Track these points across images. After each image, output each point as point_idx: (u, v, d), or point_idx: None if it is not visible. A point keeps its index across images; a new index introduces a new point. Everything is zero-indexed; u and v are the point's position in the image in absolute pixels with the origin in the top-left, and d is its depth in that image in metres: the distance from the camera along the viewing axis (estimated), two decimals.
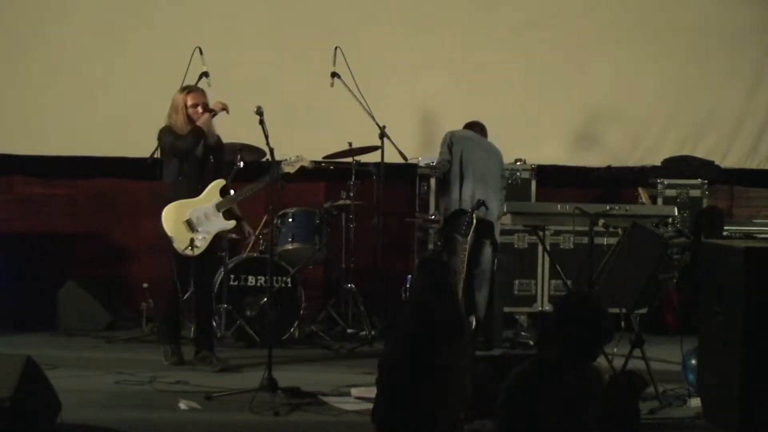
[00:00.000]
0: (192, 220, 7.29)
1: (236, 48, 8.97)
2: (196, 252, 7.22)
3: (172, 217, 7.26)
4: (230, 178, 7.64)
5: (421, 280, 5.20)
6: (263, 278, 8.08)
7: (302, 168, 7.47)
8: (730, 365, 5.85)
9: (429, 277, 5.17)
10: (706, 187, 9.19)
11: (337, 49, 8.33)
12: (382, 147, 8.24)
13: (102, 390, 6.67)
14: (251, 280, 8.17)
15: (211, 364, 7.28)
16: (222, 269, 8.11)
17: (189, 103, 7.30)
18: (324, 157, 8.47)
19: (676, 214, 7.75)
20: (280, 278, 8.12)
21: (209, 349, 7.39)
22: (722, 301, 5.97)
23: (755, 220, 9.13)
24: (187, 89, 7.39)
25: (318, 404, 6.36)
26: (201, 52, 8.20)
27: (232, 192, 7.48)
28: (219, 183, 7.40)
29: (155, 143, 7.72)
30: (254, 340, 7.98)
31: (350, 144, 8.35)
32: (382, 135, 8.21)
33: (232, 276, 8.13)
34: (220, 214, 7.37)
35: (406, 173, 9.04)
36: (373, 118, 8.19)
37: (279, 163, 6.84)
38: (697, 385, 6.41)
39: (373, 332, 8.25)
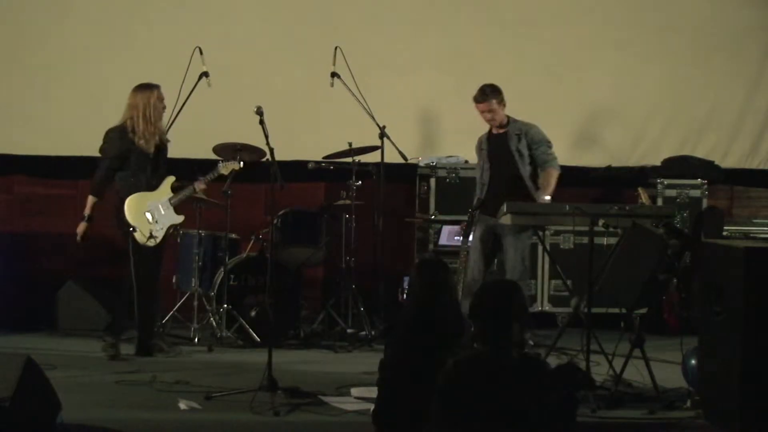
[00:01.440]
0: (152, 212, 7.53)
1: (236, 48, 8.98)
2: (153, 243, 7.47)
3: (134, 208, 7.50)
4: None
5: (421, 280, 5.20)
6: (263, 278, 8.08)
7: (233, 171, 7.84)
8: (730, 365, 5.86)
9: (428, 278, 5.18)
10: (706, 187, 9.19)
11: (337, 49, 8.33)
12: (382, 147, 8.24)
13: (102, 390, 6.67)
14: (251, 280, 8.18)
15: (162, 350, 7.57)
16: (222, 269, 8.12)
17: (163, 97, 7.56)
18: (324, 157, 8.47)
19: (676, 214, 7.75)
20: (280, 278, 8.12)
21: (152, 337, 7.61)
22: (722, 301, 5.97)
23: (755, 220, 9.13)
24: (156, 87, 7.55)
25: (318, 404, 6.36)
26: (201, 52, 8.21)
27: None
28: (171, 179, 7.69)
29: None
30: (254, 340, 7.99)
31: (350, 144, 8.35)
32: (382, 135, 8.21)
33: (232, 276, 8.13)
34: (172, 208, 7.66)
35: (406, 173, 9.04)
36: (373, 118, 8.19)
37: (276, 164, 6.85)
38: (697, 385, 6.41)
39: (373, 332, 8.24)
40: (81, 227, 7.59)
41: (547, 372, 4.39)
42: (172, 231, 8.15)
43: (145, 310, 7.55)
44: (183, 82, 8.10)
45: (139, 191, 7.53)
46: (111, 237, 9.23)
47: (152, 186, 7.60)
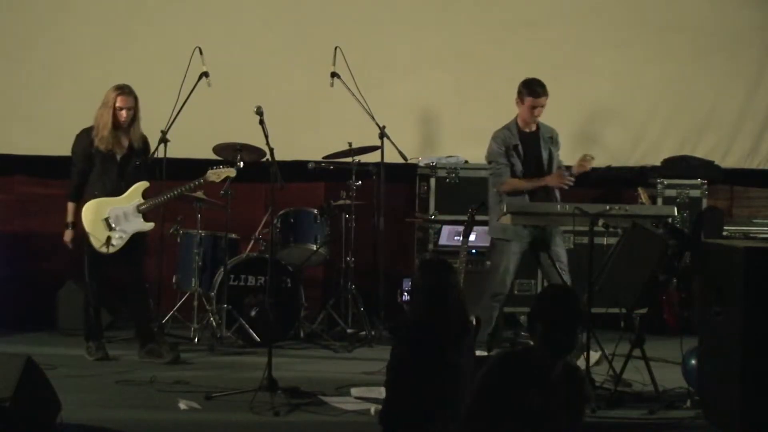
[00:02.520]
0: (110, 218, 7.42)
1: (236, 48, 8.97)
2: (111, 250, 7.38)
3: (91, 213, 7.42)
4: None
5: (424, 281, 5.20)
6: (263, 278, 8.08)
7: (227, 177, 7.73)
8: (730, 365, 5.86)
9: (432, 278, 5.18)
10: (706, 187, 9.19)
11: (337, 49, 8.33)
12: (382, 147, 8.24)
13: (102, 390, 6.67)
14: (251, 280, 8.18)
15: (161, 356, 7.42)
16: (222, 269, 8.12)
17: (118, 104, 7.39)
18: (324, 157, 8.47)
19: (676, 214, 7.75)
20: (280, 278, 8.13)
21: (154, 340, 7.54)
22: (722, 301, 5.97)
23: (755, 220, 9.13)
24: (120, 90, 7.43)
25: (318, 404, 6.36)
26: (201, 52, 8.21)
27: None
28: (142, 185, 7.53)
29: (154, 143, 7.76)
30: (254, 340, 7.99)
31: (350, 144, 8.35)
32: (382, 135, 8.21)
33: (232, 276, 8.13)
34: (140, 215, 7.49)
35: (406, 173, 9.03)
36: (373, 118, 8.19)
37: (276, 164, 6.85)
38: (697, 385, 6.42)
39: (373, 332, 8.25)
40: (67, 235, 7.54)
41: (584, 380, 4.43)
42: (172, 231, 8.18)
43: (132, 307, 7.60)
44: (183, 82, 8.10)
45: (102, 196, 7.42)
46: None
47: (119, 191, 7.46)
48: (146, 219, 7.54)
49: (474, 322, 6.84)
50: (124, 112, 7.38)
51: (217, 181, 7.74)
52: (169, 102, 8.01)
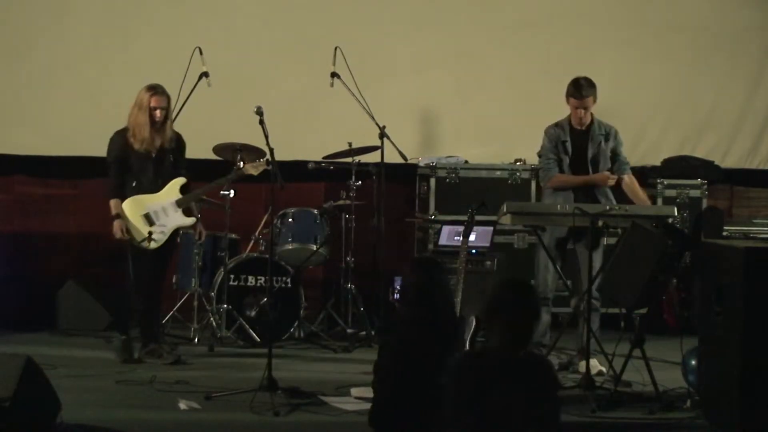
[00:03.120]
0: (150, 213, 7.44)
1: (236, 48, 8.97)
2: (153, 245, 7.38)
3: (131, 210, 7.43)
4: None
5: (416, 280, 5.19)
6: (263, 278, 8.09)
7: (265, 170, 7.67)
8: (730, 365, 5.86)
9: (422, 278, 5.17)
10: (706, 187, 9.19)
11: (337, 49, 8.33)
12: (382, 147, 8.24)
13: (102, 390, 6.67)
14: (251, 280, 8.18)
15: (161, 356, 7.42)
16: (222, 269, 8.12)
17: (152, 104, 7.39)
18: (324, 157, 8.47)
19: (676, 214, 7.74)
20: (280, 278, 8.13)
21: (157, 341, 7.53)
22: (722, 301, 5.97)
23: (755, 220, 9.11)
24: (153, 90, 7.43)
25: (318, 404, 6.36)
26: (201, 52, 8.21)
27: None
28: (179, 180, 7.56)
29: None
30: (254, 340, 7.99)
31: (350, 144, 8.35)
32: (382, 135, 8.21)
33: (232, 276, 8.13)
34: (180, 210, 7.53)
35: (406, 173, 9.04)
36: (373, 118, 8.19)
37: (276, 163, 6.85)
38: (697, 385, 6.42)
39: (373, 332, 8.25)
40: (116, 225, 7.40)
41: (551, 372, 4.38)
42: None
43: (143, 312, 7.54)
44: (183, 82, 8.11)
45: (140, 194, 7.46)
46: (111, 237, 9.24)
47: (156, 188, 7.51)
48: (186, 214, 7.58)
49: (474, 322, 6.85)
50: (158, 112, 7.40)
51: (255, 174, 7.76)
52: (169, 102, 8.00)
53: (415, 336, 4.91)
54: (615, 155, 7.65)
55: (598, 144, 7.59)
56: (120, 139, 7.47)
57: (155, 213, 7.48)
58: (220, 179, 7.78)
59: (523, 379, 4.28)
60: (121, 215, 7.42)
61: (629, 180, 7.66)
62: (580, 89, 7.49)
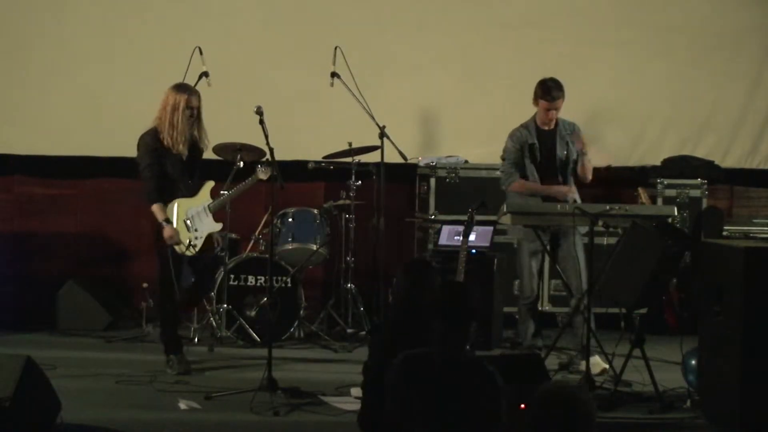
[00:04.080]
0: (188, 219, 7.25)
1: (236, 48, 8.97)
2: (192, 252, 7.17)
3: (176, 215, 7.18)
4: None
5: (406, 281, 5.18)
6: (263, 278, 8.09)
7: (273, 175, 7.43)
8: (730, 365, 5.86)
9: (414, 279, 5.16)
10: (706, 187, 9.18)
11: (337, 49, 8.33)
12: (382, 147, 8.23)
13: (102, 390, 6.68)
14: (251, 280, 8.18)
15: (172, 367, 7.12)
16: (222, 269, 8.12)
17: (192, 105, 7.14)
18: (324, 157, 8.47)
19: (676, 214, 7.75)
20: (280, 278, 8.13)
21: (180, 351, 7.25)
22: (722, 301, 5.97)
23: (755, 220, 9.12)
24: (188, 90, 7.21)
25: (318, 404, 6.37)
26: (201, 52, 8.21)
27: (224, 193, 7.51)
28: (210, 184, 7.39)
29: None
30: (254, 340, 7.99)
31: (350, 144, 8.35)
32: (382, 135, 8.20)
33: (232, 276, 8.13)
34: (211, 215, 7.34)
35: (406, 173, 9.03)
36: (373, 118, 8.19)
37: (276, 163, 6.83)
38: (697, 385, 6.42)
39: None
40: (167, 231, 7.01)
41: (489, 376, 4.36)
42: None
43: (163, 312, 7.32)
44: (183, 81, 8.09)
45: (178, 197, 7.18)
46: (111, 237, 9.26)
47: (191, 190, 7.28)
48: (215, 219, 7.38)
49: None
50: (195, 112, 7.16)
51: (265, 179, 7.53)
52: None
53: (405, 337, 4.89)
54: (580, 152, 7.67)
55: (566, 143, 7.63)
56: (153, 141, 7.10)
57: (192, 218, 7.24)
58: (241, 185, 7.51)
59: (463, 382, 4.29)
60: (170, 220, 7.10)
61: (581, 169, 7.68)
62: (551, 91, 7.51)
